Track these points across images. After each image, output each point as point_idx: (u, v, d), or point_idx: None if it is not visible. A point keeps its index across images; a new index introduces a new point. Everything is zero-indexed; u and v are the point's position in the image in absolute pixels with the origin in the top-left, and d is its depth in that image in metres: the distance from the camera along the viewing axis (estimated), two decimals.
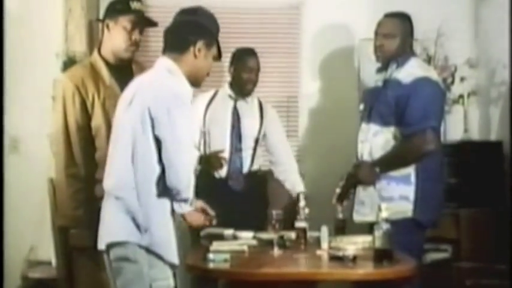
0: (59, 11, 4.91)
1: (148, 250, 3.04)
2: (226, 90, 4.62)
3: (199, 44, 3.14)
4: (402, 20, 4.05)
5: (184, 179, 3.06)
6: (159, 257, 3.06)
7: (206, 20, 3.23)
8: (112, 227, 3.10)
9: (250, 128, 4.56)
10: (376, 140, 3.96)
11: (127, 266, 3.05)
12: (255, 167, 4.57)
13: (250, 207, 4.38)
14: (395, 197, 3.88)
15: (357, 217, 4.01)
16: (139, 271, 3.04)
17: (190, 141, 3.23)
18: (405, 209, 3.87)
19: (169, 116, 3.02)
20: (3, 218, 4.23)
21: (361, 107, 4.18)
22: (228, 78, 4.71)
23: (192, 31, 3.16)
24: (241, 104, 4.57)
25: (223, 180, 4.48)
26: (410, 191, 3.89)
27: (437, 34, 5.09)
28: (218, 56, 3.26)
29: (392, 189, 3.89)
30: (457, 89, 5.08)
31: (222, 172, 4.48)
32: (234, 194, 4.46)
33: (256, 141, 4.58)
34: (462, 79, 5.08)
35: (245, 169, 4.53)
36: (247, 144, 4.54)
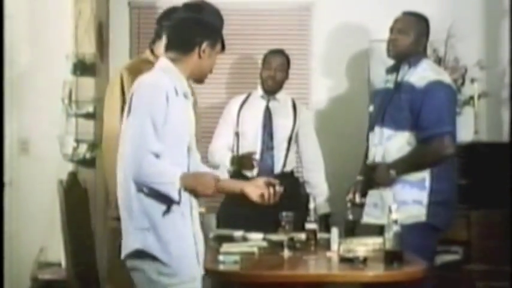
0: (69, 13, 4.91)
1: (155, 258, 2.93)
2: (258, 91, 4.69)
3: (205, 45, 3.04)
4: (418, 19, 4.03)
5: (128, 167, 2.89)
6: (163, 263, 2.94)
7: (211, 17, 3.12)
8: None
9: (282, 127, 4.60)
10: (389, 144, 3.92)
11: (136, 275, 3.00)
12: (288, 168, 4.58)
13: (281, 207, 4.37)
14: (408, 201, 3.84)
15: (368, 219, 3.95)
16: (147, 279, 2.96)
17: (146, 130, 2.90)
18: (419, 213, 3.85)
19: (131, 102, 2.96)
20: (3, 220, 4.25)
21: (371, 108, 4.14)
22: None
23: (197, 32, 3.03)
24: (273, 104, 4.63)
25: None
26: (424, 195, 3.86)
27: (447, 35, 5.07)
28: (222, 49, 3.15)
29: (406, 193, 3.85)
30: (467, 91, 5.07)
31: (254, 171, 4.49)
32: None
33: (289, 141, 4.61)
34: (472, 80, 5.06)
35: (277, 169, 4.54)
36: (280, 143, 4.57)
